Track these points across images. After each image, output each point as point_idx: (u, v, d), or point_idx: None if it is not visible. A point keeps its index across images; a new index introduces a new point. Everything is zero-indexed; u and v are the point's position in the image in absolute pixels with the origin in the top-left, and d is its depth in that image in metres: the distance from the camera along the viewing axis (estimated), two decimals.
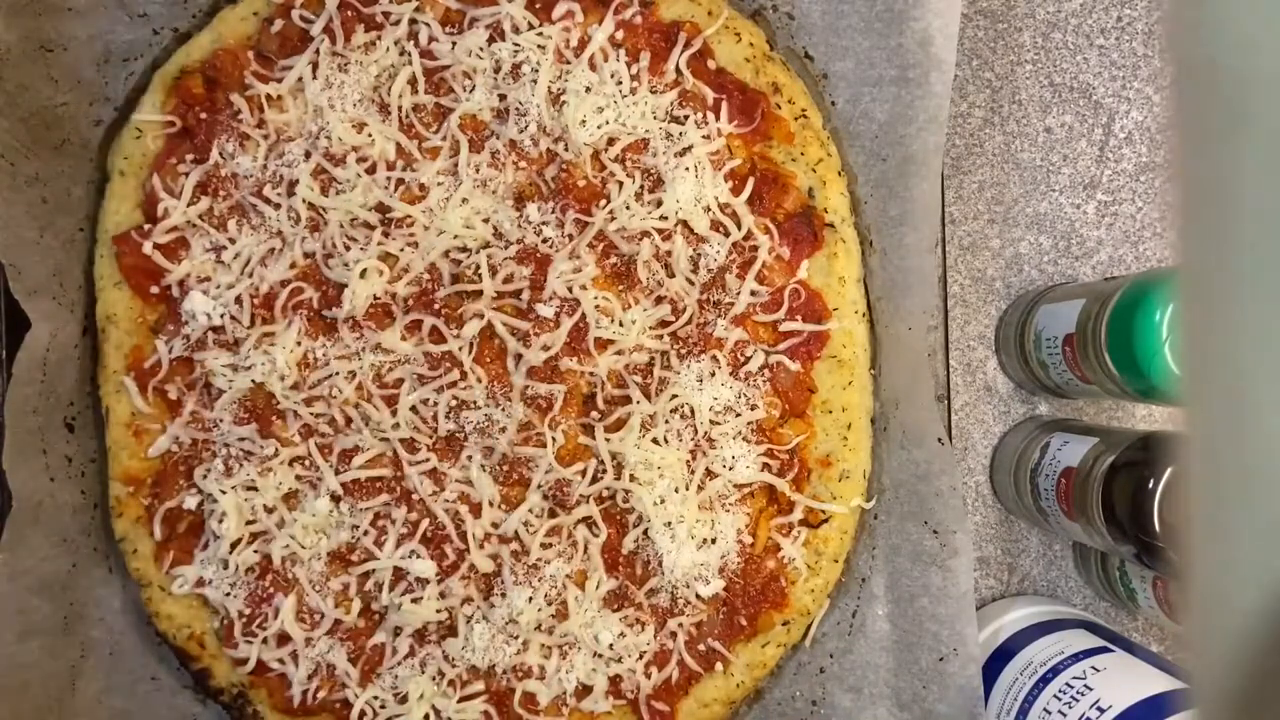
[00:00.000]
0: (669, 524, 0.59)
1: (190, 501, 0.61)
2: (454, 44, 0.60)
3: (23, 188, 0.58)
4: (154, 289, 0.61)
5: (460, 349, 0.61)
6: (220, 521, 0.60)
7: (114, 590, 0.62)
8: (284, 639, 0.60)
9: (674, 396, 0.60)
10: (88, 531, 0.61)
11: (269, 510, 0.60)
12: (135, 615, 0.62)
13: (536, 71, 0.60)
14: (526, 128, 0.61)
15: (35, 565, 0.58)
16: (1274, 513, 0.19)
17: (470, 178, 0.60)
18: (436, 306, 0.61)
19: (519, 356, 0.61)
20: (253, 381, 0.60)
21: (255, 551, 0.60)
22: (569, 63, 0.61)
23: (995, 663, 0.61)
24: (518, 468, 0.61)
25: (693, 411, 0.60)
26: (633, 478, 0.59)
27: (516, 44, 0.60)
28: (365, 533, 0.61)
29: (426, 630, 0.61)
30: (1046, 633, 0.60)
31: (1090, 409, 0.69)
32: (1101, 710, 0.52)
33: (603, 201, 0.61)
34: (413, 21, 0.61)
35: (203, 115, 0.61)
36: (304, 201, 0.60)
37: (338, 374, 0.61)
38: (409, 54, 0.60)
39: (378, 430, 0.60)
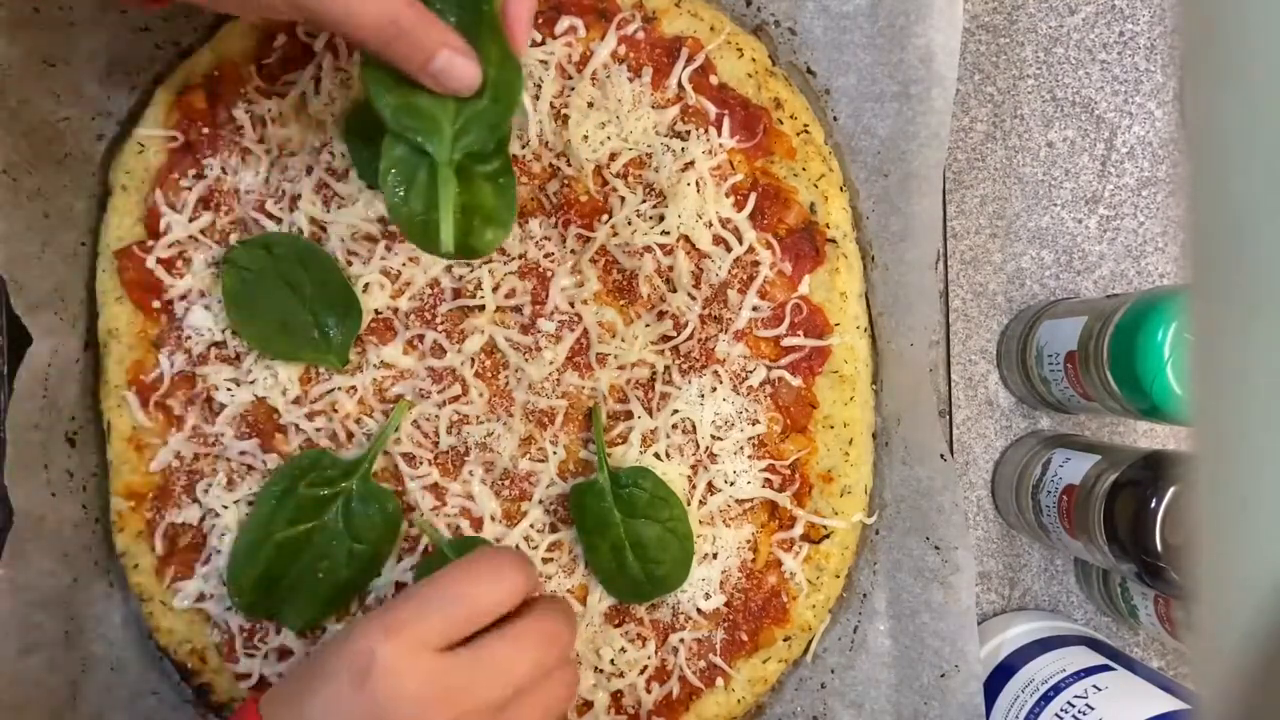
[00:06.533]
0: None
1: (192, 516, 0.61)
2: None
3: (24, 203, 0.58)
4: (156, 303, 0.61)
5: (462, 364, 0.61)
6: (222, 536, 0.60)
7: (115, 605, 0.62)
8: (285, 653, 0.60)
9: (675, 411, 0.60)
10: (89, 546, 0.61)
11: None
12: (136, 630, 0.62)
13: (539, 87, 0.60)
14: (529, 143, 0.61)
15: (37, 580, 0.58)
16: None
17: None
18: (438, 321, 0.61)
19: (520, 371, 0.61)
20: (255, 396, 0.61)
21: None
22: (571, 78, 0.61)
23: (996, 679, 0.60)
24: (519, 482, 0.61)
25: (694, 426, 0.61)
26: None
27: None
28: None
29: None
30: (1048, 649, 0.60)
31: (1092, 424, 0.69)
32: None
33: (605, 216, 0.61)
34: None
35: (205, 130, 0.61)
36: (306, 216, 0.60)
37: (339, 388, 0.61)
38: None
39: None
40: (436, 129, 0.47)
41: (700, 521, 0.60)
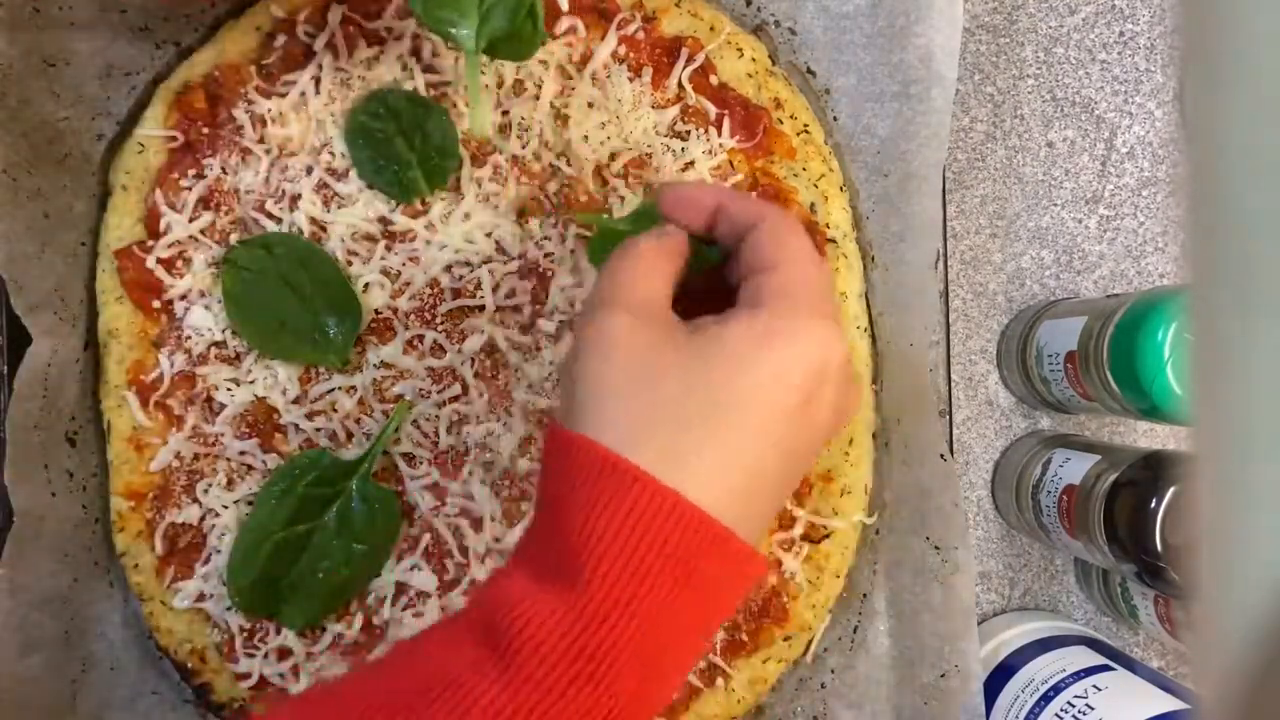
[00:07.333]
0: None
1: (192, 516, 0.61)
2: (457, 59, 0.60)
3: (24, 203, 0.58)
4: (156, 303, 0.61)
5: (462, 364, 0.61)
6: (222, 536, 0.60)
7: (115, 605, 0.61)
8: (285, 653, 0.60)
9: None
10: (89, 546, 0.61)
11: None
12: (136, 630, 0.62)
13: (539, 87, 0.60)
14: (529, 143, 0.61)
15: (37, 580, 0.58)
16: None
17: (473, 193, 0.60)
18: (438, 321, 0.61)
19: (520, 371, 0.61)
20: (254, 396, 0.61)
21: None
22: (571, 78, 0.61)
23: (996, 679, 0.61)
24: (519, 482, 0.61)
25: None
26: None
27: None
28: None
29: None
30: (1048, 649, 0.60)
31: (1092, 424, 0.69)
32: None
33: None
34: (416, 36, 0.61)
35: (205, 130, 0.61)
36: (306, 216, 0.60)
37: (339, 388, 0.61)
38: (411, 69, 0.61)
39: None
40: (465, 16, 0.52)
41: None
